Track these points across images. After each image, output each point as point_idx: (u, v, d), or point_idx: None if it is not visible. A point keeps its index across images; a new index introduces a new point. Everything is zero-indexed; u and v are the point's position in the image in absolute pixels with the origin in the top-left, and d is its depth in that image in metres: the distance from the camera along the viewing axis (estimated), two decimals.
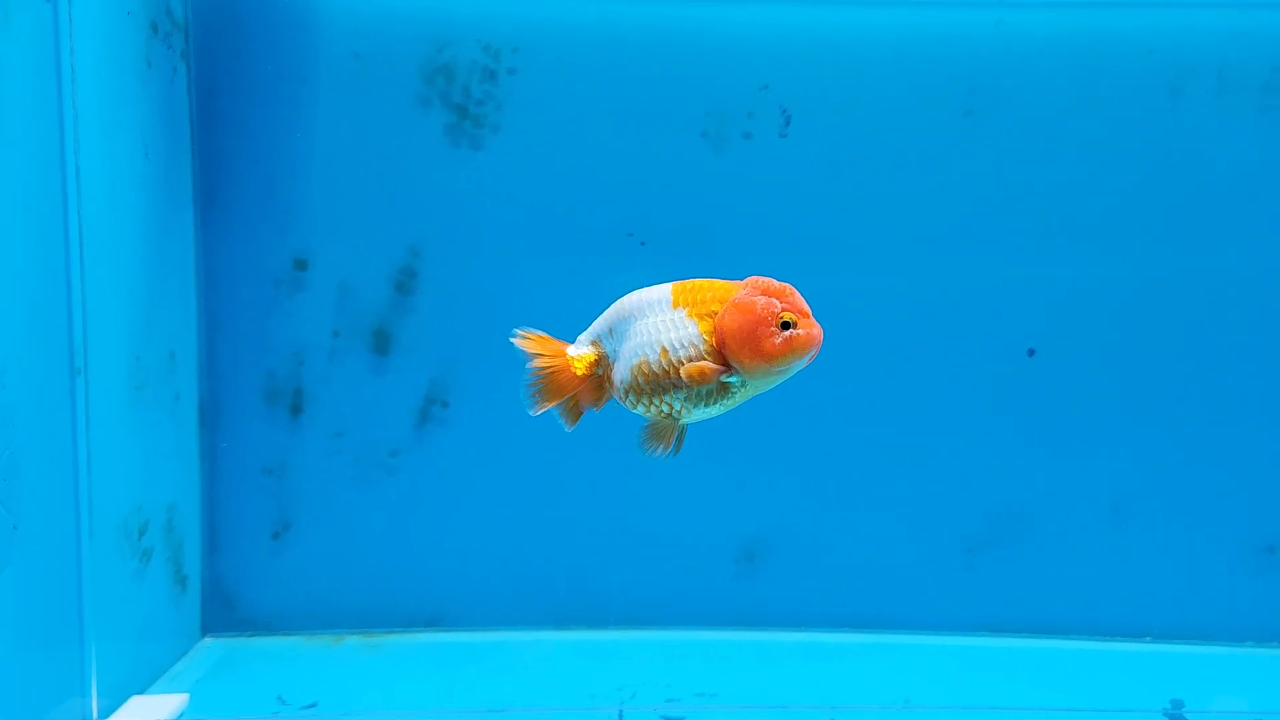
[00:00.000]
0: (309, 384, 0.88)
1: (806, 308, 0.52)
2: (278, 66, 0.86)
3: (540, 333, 0.58)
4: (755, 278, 0.54)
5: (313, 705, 0.77)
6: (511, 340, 0.58)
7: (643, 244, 0.90)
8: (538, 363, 0.58)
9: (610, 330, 0.56)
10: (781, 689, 0.82)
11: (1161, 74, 0.88)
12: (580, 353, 0.57)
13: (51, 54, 0.66)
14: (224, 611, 0.89)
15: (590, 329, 0.58)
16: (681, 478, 0.91)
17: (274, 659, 0.85)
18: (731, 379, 0.53)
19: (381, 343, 0.89)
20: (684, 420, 0.56)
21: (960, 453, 0.91)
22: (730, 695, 0.80)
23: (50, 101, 0.66)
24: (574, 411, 0.59)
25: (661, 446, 0.56)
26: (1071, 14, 0.88)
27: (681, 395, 0.53)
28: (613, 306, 0.56)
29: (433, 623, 0.90)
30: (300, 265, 0.88)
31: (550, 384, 0.58)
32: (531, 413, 0.59)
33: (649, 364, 0.54)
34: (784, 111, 0.89)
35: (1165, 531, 0.91)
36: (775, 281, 0.53)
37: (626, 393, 0.55)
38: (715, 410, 0.55)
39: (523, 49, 0.87)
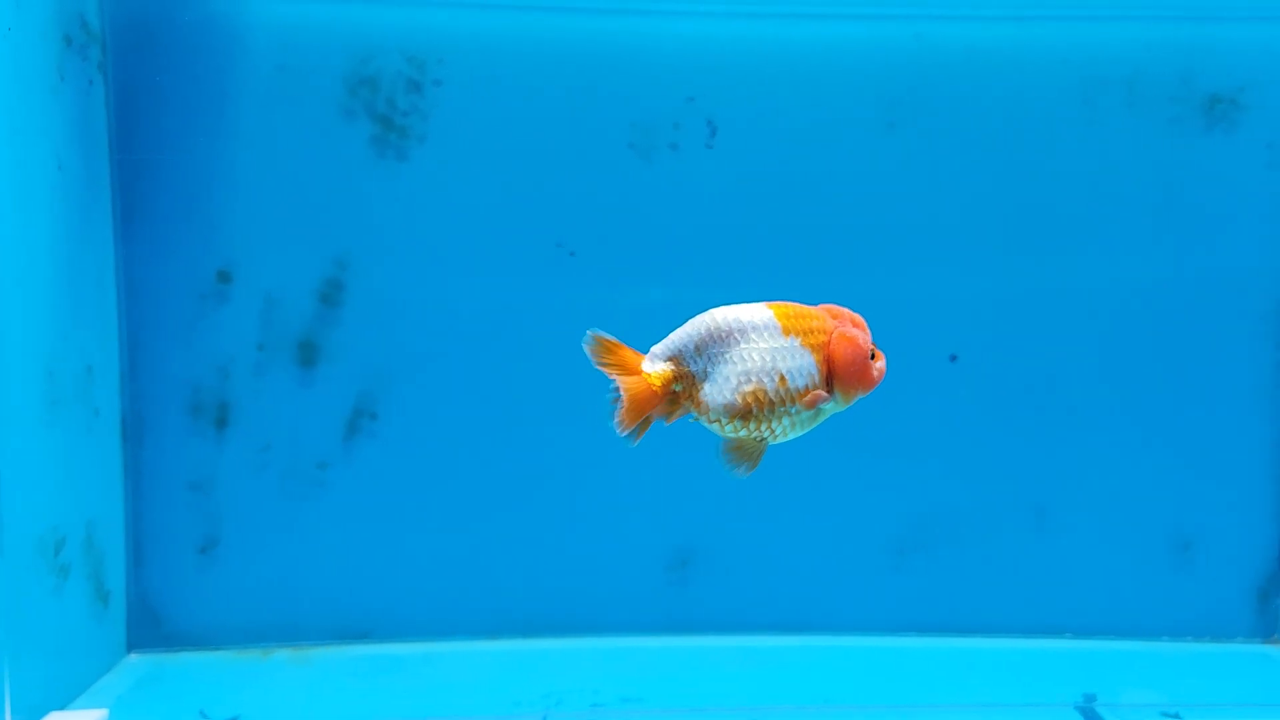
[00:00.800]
0: (235, 397, 0.88)
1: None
2: (199, 78, 0.85)
3: (612, 339, 0.57)
4: (833, 306, 0.58)
5: (235, 719, 0.77)
6: (585, 346, 0.56)
7: (572, 254, 0.91)
8: (618, 381, 0.56)
9: (697, 349, 0.56)
10: (708, 693, 0.83)
11: (1075, 86, 0.91)
12: (658, 369, 0.56)
13: None
14: (150, 628, 0.88)
15: (668, 343, 0.56)
16: (614, 487, 0.92)
17: (200, 674, 0.85)
18: (827, 405, 0.56)
19: (308, 355, 0.89)
20: (774, 441, 0.57)
21: (889, 458, 0.93)
22: (656, 700, 0.81)
23: None
24: (643, 426, 0.58)
25: (747, 465, 0.58)
26: (987, 27, 0.90)
27: (788, 421, 0.56)
28: (699, 324, 0.56)
29: (364, 635, 0.90)
30: (224, 278, 0.87)
31: (631, 404, 0.56)
32: (619, 433, 0.57)
33: (765, 391, 0.55)
34: (710, 123, 0.90)
35: (1086, 531, 0.94)
36: (847, 310, 0.58)
37: (731, 416, 0.56)
38: (800, 433, 0.57)
39: (447, 60, 0.87)
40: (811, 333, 0.56)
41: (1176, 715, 0.80)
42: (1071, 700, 0.83)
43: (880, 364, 0.58)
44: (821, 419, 0.57)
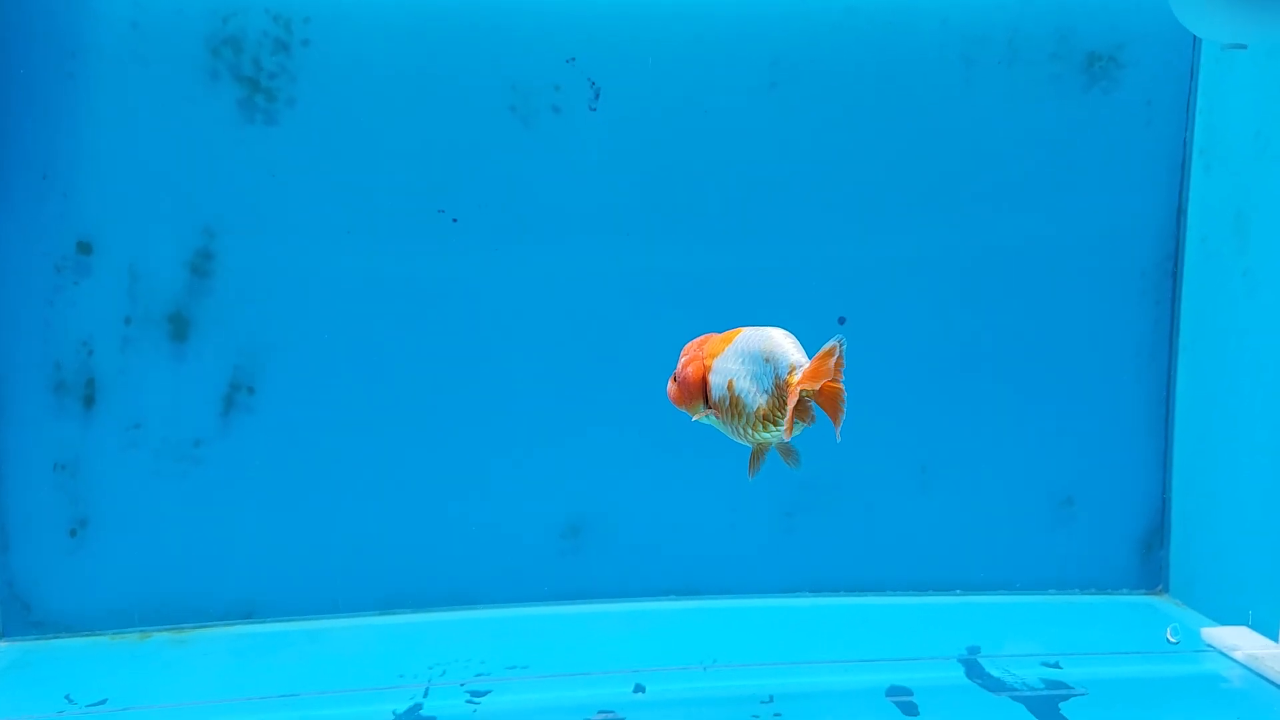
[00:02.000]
0: (101, 374, 0.85)
1: (686, 357, 0.62)
2: (47, 36, 0.81)
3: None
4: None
5: (102, 702, 0.75)
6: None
7: (454, 220, 0.89)
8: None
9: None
10: (595, 658, 0.82)
11: (955, 44, 0.91)
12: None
13: None
14: (20, 614, 0.85)
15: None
16: (505, 458, 0.91)
17: (73, 660, 0.82)
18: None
19: (179, 329, 0.86)
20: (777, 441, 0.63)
21: None
22: (542, 667, 0.81)
23: None
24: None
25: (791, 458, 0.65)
26: None
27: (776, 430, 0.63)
28: (749, 340, 0.62)
29: (249, 615, 0.88)
30: (84, 249, 0.84)
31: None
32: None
33: (773, 409, 0.62)
34: (593, 84, 0.89)
35: (969, 489, 0.95)
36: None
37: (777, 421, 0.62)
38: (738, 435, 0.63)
39: (315, 19, 0.84)
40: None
41: (1056, 664, 0.82)
42: (955, 653, 0.84)
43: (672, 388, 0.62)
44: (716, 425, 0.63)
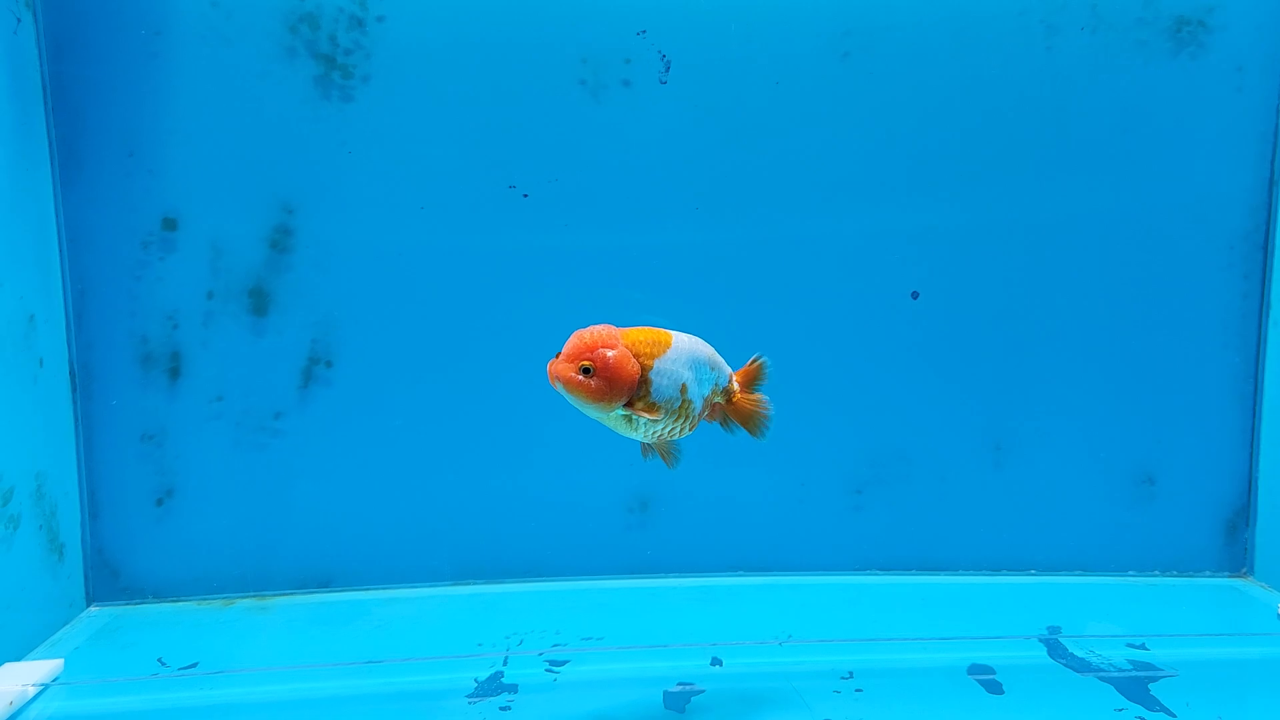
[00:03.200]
0: (186, 347, 0.87)
1: (567, 348, 0.61)
2: (133, 16, 0.83)
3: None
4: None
5: (193, 666, 0.77)
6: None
7: (525, 196, 0.89)
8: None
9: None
10: (668, 630, 0.83)
11: (1036, 10, 0.88)
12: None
13: None
14: (108, 580, 0.88)
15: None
16: (573, 433, 0.91)
17: (161, 625, 0.84)
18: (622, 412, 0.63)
19: (259, 303, 0.87)
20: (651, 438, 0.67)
21: (847, 397, 0.92)
22: (617, 637, 0.81)
23: None
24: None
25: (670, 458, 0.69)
26: None
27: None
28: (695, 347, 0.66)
29: (325, 584, 0.90)
30: (169, 225, 0.86)
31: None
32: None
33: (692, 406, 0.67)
34: (663, 57, 0.88)
35: (1045, 467, 0.93)
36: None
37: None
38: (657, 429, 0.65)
39: None
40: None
41: (1142, 645, 0.80)
42: (1035, 633, 0.83)
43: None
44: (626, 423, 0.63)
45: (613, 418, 0.62)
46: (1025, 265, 0.91)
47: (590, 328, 0.61)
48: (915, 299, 0.91)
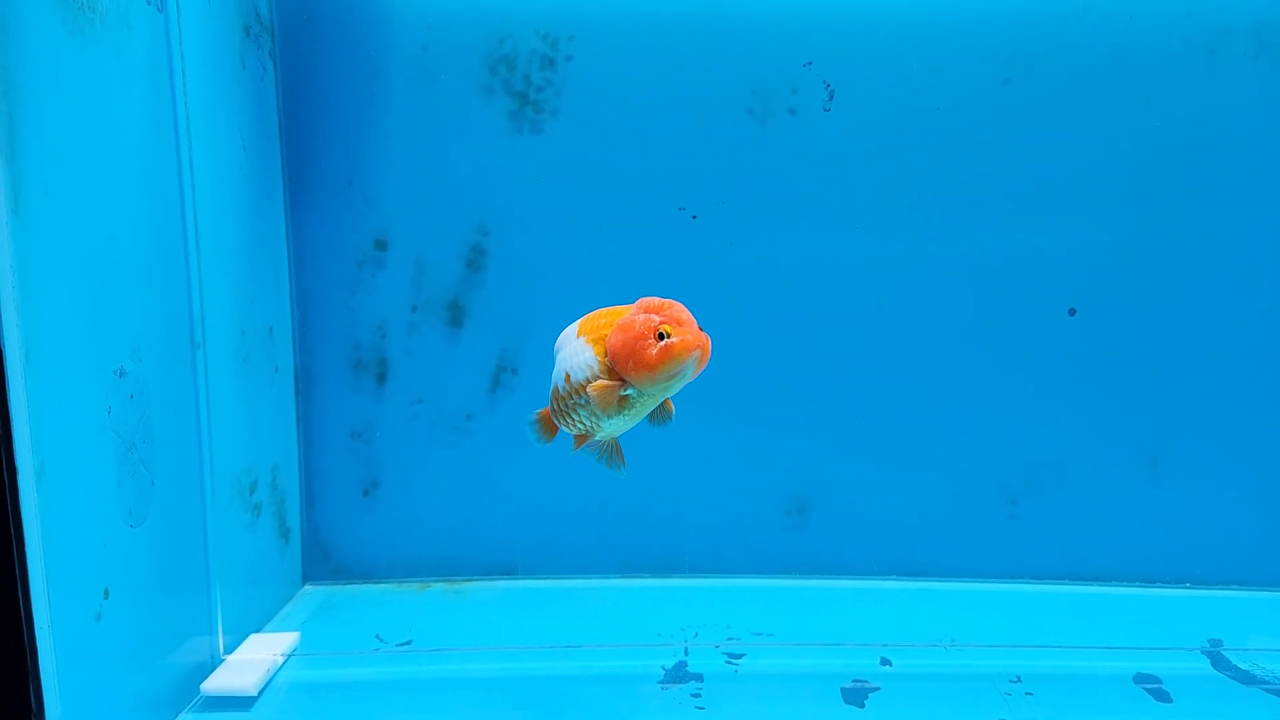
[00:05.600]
0: (391, 355, 0.96)
1: (685, 317, 0.55)
2: (354, 61, 0.93)
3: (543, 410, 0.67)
4: (643, 298, 0.57)
5: (408, 643, 0.86)
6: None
7: (694, 218, 0.95)
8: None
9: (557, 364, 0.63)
10: (833, 629, 0.88)
11: (1198, 36, 0.90)
12: (542, 411, 0.66)
13: (164, 57, 0.73)
14: (321, 561, 0.98)
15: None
16: (735, 437, 0.97)
17: (369, 604, 0.94)
18: (629, 391, 0.56)
19: (455, 316, 0.96)
20: (600, 434, 0.60)
21: (1004, 407, 0.96)
22: (785, 634, 0.87)
23: (165, 103, 0.74)
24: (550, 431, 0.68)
25: (607, 457, 0.62)
26: None
27: (586, 412, 0.59)
28: (559, 342, 0.63)
29: (509, 571, 0.98)
30: (380, 246, 0.95)
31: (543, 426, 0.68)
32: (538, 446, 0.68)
33: (559, 388, 0.60)
34: (827, 86, 0.93)
35: (1201, 480, 0.95)
36: (658, 299, 0.57)
37: (553, 415, 0.62)
38: (625, 422, 0.59)
39: (578, 37, 0.93)
40: (596, 329, 0.58)
41: None
42: (1197, 644, 0.84)
43: (672, 342, 0.54)
44: (642, 406, 0.57)
45: (653, 398, 0.57)
46: (1183, 283, 0.93)
47: (645, 301, 0.57)
48: (1073, 315, 0.94)
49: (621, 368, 0.56)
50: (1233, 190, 0.92)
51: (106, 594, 0.64)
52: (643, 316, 0.55)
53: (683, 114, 0.94)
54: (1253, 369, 0.93)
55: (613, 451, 0.63)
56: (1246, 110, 0.91)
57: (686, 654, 0.83)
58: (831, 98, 0.93)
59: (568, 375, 0.60)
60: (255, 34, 0.89)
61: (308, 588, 0.98)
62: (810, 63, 0.93)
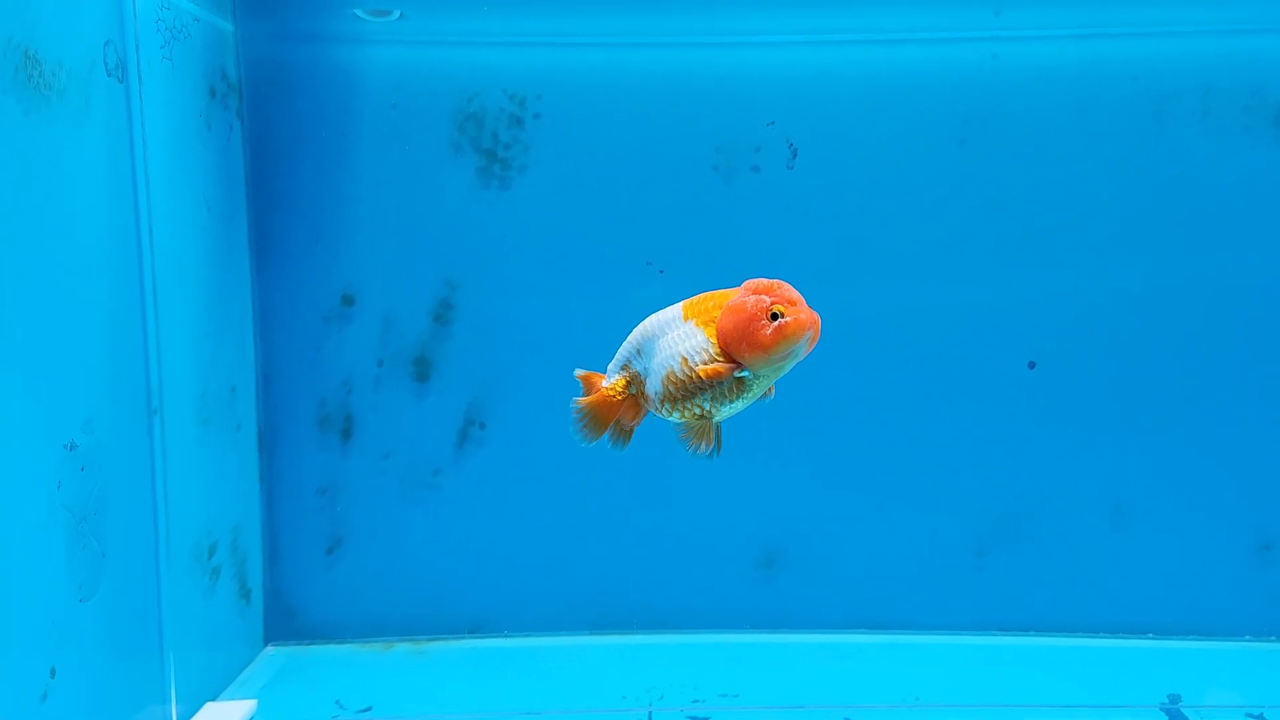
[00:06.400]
0: (357, 410, 0.96)
1: (795, 297, 0.56)
2: (323, 118, 0.93)
3: (587, 371, 0.65)
4: (750, 280, 0.58)
5: (368, 709, 0.84)
6: (576, 374, 0.64)
7: (661, 272, 0.96)
8: (579, 401, 0.64)
9: (638, 351, 0.62)
10: (800, 689, 0.87)
11: (1147, 99, 0.93)
12: (612, 380, 0.63)
13: (125, 127, 0.73)
14: (284, 622, 0.96)
15: (617, 356, 0.64)
16: (704, 489, 0.97)
17: (331, 666, 0.92)
18: (744, 373, 0.57)
19: (423, 370, 0.96)
20: (716, 418, 0.61)
21: (968, 460, 0.97)
22: (752, 696, 0.86)
23: (125, 169, 0.74)
24: (623, 433, 0.65)
25: (704, 444, 0.62)
26: (1061, 45, 0.94)
27: (707, 396, 0.59)
28: (635, 330, 0.62)
29: (475, 630, 0.97)
30: (347, 301, 0.95)
31: (594, 416, 0.64)
32: (585, 444, 0.65)
33: (675, 373, 0.59)
34: (790, 145, 0.95)
35: (1165, 531, 0.96)
36: (766, 280, 0.57)
37: (662, 403, 0.61)
38: (740, 404, 0.59)
39: (545, 96, 0.94)
40: (705, 312, 0.59)
41: (1261, 715, 0.82)
42: (1156, 700, 0.85)
43: (786, 321, 0.55)
44: (758, 388, 0.58)
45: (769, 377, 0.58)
46: (1140, 333, 0.95)
47: (752, 282, 0.57)
48: (1032, 368, 0.95)
49: (735, 350, 0.57)
50: (1185, 244, 0.94)
51: (53, 673, 0.62)
52: (754, 298, 0.56)
53: (649, 170, 0.95)
54: (1211, 418, 0.95)
55: (714, 437, 0.62)
56: (1194, 168, 0.94)
57: (650, 717, 0.82)
58: (794, 156, 0.95)
59: (684, 359, 0.59)
60: (221, 95, 0.89)
61: (270, 649, 0.96)
62: (774, 122, 0.95)
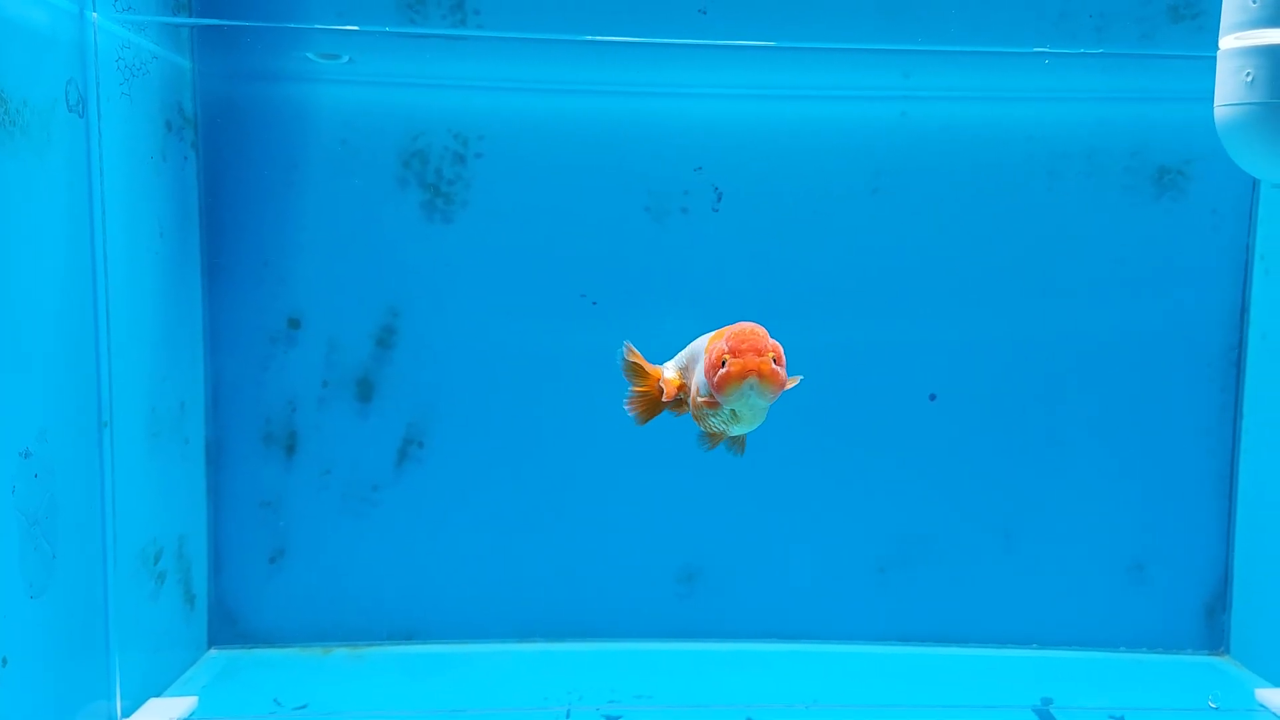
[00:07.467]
0: (301, 428, 1.01)
1: (746, 346, 0.58)
2: (274, 151, 0.99)
3: (638, 354, 0.68)
4: (738, 323, 0.61)
5: (303, 707, 0.90)
6: (623, 350, 0.68)
7: (594, 304, 1.03)
8: (638, 385, 0.68)
9: (688, 364, 0.67)
10: (709, 692, 0.95)
11: (1040, 158, 1.02)
12: (670, 378, 0.68)
13: (84, 158, 0.78)
14: (227, 626, 1.01)
15: (677, 359, 0.68)
16: (628, 509, 1.04)
17: (271, 668, 0.98)
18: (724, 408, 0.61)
19: (365, 391, 1.02)
20: (730, 433, 0.66)
21: (873, 484, 1.05)
22: (664, 697, 0.93)
23: (82, 197, 0.79)
24: (650, 415, 0.69)
25: (736, 447, 0.68)
26: (964, 107, 1.02)
27: (715, 418, 0.64)
28: (694, 343, 0.66)
29: (409, 636, 1.03)
30: (294, 324, 1.00)
31: (646, 403, 0.68)
32: (638, 424, 0.69)
33: (694, 396, 0.65)
34: (716, 189, 1.03)
35: (1049, 552, 1.05)
36: (742, 325, 0.60)
37: (697, 410, 0.65)
38: (745, 426, 0.64)
39: (488, 136, 1.00)
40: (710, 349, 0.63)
41: (1122, 718, 0.91)
42: (1030, 703, 0.94)
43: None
44: (748, 419, 0.62)
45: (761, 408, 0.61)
46: (1032, 374, 1.04)
47: (737, 326, 0.59)
48: (933, 400, 1.04)
49: (710, 388, 0.61)
50: (1071, 294, 1.03)
51: (5, 662, 0.67)
52: (718, 344, 0.59)
53: (585, 209, 1.02)
54: (1092, 454, 1.04)
55: (735, 444, 0.68)
56: (1081, 223, 1.03)
57: (568, 716, 0.89)
58: (719, 199, 1.03)
59: (696, 388, 0.64)
60: (177, 127, 0.94)
61: (213, 652, 1.01)
62: (700, 167, 1.02)
